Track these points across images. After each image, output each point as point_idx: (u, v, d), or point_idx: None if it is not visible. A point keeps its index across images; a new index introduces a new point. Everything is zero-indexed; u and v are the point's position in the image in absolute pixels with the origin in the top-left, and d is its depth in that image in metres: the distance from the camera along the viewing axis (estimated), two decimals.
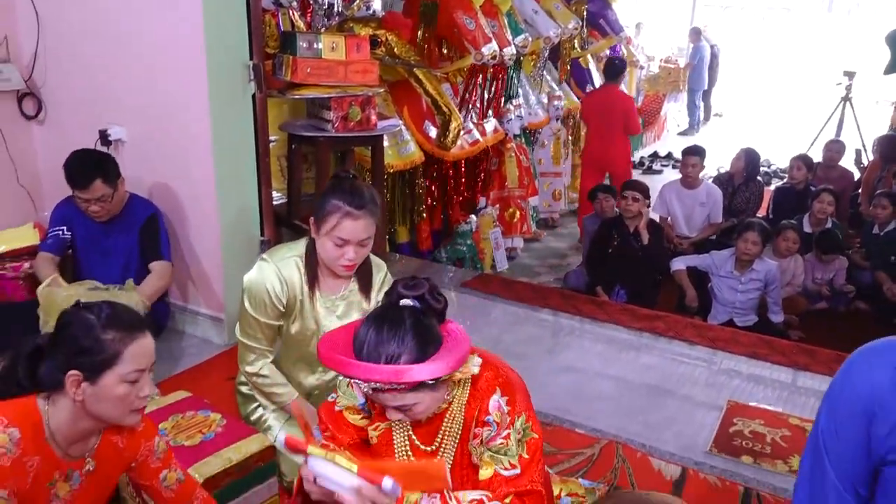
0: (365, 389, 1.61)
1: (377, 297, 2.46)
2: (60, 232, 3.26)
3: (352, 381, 1.69)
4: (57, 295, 2.85)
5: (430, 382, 1.54)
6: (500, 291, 4.24)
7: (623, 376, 3.38)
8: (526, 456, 1.66)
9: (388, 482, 1.47)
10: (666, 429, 2.95)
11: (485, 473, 1.67)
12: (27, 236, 3.57)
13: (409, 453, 1.77)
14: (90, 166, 3.09)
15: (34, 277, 3.20)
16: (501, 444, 1.66)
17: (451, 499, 1.62)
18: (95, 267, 3.23)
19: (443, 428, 1.73)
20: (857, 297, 4.89)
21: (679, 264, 4.66)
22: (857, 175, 6.86)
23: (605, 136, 6.01)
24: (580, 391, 3.20)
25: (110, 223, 3.23)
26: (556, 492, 2.21)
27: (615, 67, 6.18)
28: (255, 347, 2.39)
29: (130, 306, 1.68)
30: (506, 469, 1.65)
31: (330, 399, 1.86)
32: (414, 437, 1.77)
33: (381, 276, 2.50)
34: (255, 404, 2.55)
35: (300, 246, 2.39)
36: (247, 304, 2.34)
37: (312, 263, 2.34)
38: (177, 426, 2.24)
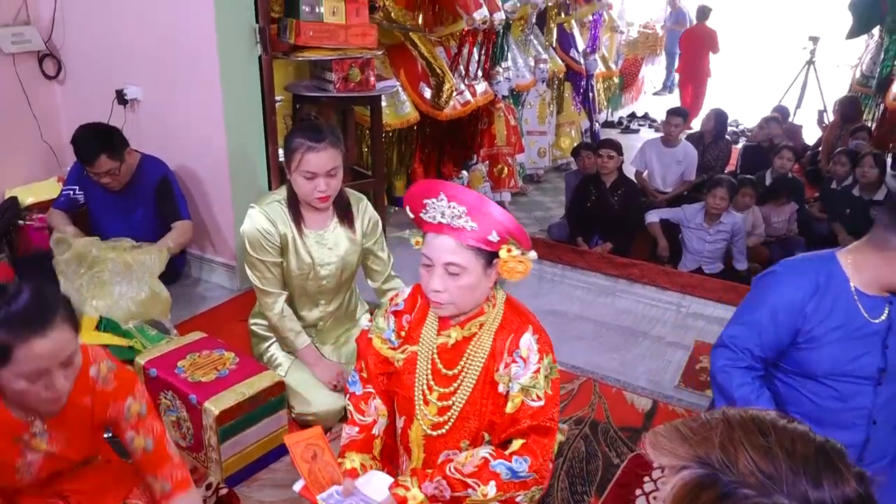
0: (444, 219, 1.56)
1: (362, 225, 2.49)
2: (72, 192, 3.19)
3: (424, 215, 1.59)
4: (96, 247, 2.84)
5: (488, 247, 1.55)
6: None
7: (600, 318, 3.40)
8: (550, 392, 1.65)
9: None
10: (639, 366, 2.99)
11: (513, 405, 1.64)
12: (52, 189, 3.53)
13: (430, 378, 1.70)
14: (94, 143, 2.96)
15: None
16: (532, 377, 1.63)
17: (452, 472, 1.60)
18: (115, 227, 3.14)
19: (467, 353, 1.67)
20: (813, 246, 4.90)
21: (653, 217, 4.65)
22: (815, 135, 6.83)
23: (694, 57, 8.72)
24: (562, 332, 3.22)
25: (124, 187, 3.15)
26: None
27: (704, 11, 8.81)
28: (271, 291, 2.40)
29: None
30: (533, 401, 1.63)
31: (364, 327, 1.86)
32: (438, 360, 1.69)
33: (363, 206, 2.52)
34: (267, 343, 2.56)
35: (282, 191, 2.42)
36: (249, 249, 2.36)
37: (294, 203, 2.37)
38: (194, 364, 2.24)
